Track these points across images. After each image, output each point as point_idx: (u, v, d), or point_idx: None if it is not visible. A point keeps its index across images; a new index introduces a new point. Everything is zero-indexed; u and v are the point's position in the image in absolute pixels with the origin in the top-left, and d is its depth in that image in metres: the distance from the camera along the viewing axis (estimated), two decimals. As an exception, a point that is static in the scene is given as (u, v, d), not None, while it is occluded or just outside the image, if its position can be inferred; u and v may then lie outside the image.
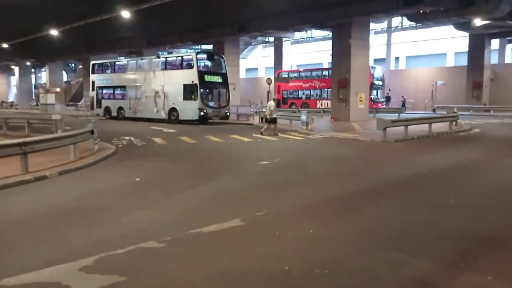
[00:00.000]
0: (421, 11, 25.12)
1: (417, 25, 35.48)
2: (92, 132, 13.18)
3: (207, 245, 5.41)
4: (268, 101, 22.93)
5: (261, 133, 18.82)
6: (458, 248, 5.27)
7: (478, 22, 26.91)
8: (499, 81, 36.09)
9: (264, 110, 27.65)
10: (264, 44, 53.13)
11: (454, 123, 20.17)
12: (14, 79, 64.73)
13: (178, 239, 5.61)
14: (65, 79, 63.43)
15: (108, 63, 33.06)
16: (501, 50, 40.37)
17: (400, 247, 5.27)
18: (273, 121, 19.21)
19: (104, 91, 32.24)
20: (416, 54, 47.61)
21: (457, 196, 7.82)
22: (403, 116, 25.96)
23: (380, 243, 5.47)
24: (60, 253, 5.21)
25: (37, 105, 49.58)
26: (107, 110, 31.62)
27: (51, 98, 45.25)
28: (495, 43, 37.67)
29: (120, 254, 5.07)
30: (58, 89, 50.19)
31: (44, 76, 65.96)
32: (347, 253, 5.14)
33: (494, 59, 38.21)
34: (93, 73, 33.18)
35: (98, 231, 6.01)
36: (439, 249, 5.25)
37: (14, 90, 70.57)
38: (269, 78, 29.54)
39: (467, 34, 35.06)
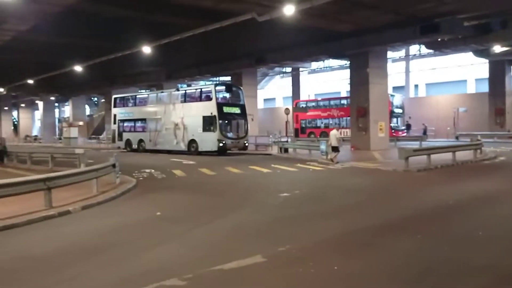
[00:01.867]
0: (438, 39, 25.11)
1: (436, 52, 35.44)
2: (114, 165, 13.32)
3: (229, 283, 5.32)
4: (286, 131, 22.96)
5: (332, 160, 19.39)
6: (488, 285, 5.06)
7: (497, 48, 26.77)
8: (522, 107, 35.50)
9: (282, 139, 27.72)
10: (282, 75, 53.67)
11: (478, 151, 19.77)
12: (38, 113, 66.56)
13: (199, 276, 5.52)
14: (87, 112, 64.91)
15: (129, 97, 33.70)
16: (523, 76, 39.88)
17: (428, 285, 5.08)
18: (336, 149, 19.68)
19: (125, 124, 32.77)
20: (435, 81, 47.32)
21: (485, 229, 7.58)
22: (425, 144, 25.60)
23: (405, 280, 5.30)
24: (82, 292, 5.18)
25: (60, 138, 50.62)
26: (128, 142, 32.04)
27: (74, 132, 46.20)
28: (516, 69, 37.24)
29: (142, 293, 5.01)
30: (81, 123, 51.22)
31: (67, 110, 67.62)
32: (374, 291, 4.98)
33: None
34: (115, 106, 33.80)
35: (119, 268, 5.97)
36: (467, 286, 5.04)
37: (37, 123, 72.39)
38: (287, 108, 29.67)
39: (487, 60, 34.82)
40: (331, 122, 38.26)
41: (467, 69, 43.46)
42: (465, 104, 37.65)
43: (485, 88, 37.50)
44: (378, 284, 5.19)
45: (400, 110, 36.78)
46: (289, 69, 48.53)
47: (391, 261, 6.05)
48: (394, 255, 6.31)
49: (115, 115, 33.52)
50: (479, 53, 30.73)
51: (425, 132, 36.49)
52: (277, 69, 48.37)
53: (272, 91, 61.19)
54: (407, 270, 5.67)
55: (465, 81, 46.06)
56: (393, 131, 33.24)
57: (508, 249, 6.45)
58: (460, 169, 16.76)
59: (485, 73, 36.99)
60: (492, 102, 35.40)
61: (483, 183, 13.05)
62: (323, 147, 21.03)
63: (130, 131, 32.37)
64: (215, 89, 26.29)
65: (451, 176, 14.85)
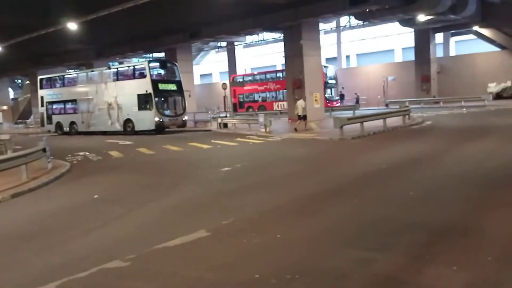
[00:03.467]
0: (367, 10, 25.79)
1: (365, 23, 36.47)
2: (44, 150, 12.67)
3: (174, 260, 5.29)
4: (225, 106, 22.84)
5: (295, 129, 19.76)
6: (422, 241, 5.40)
7: (422, 17, 27.95)
8: (445, 73, 37.62)
9: (221, 115, 27.65)
10: (217, 49, 52.99)
11: (407, 117, 20.80)
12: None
13: (143, 256, 5.44)
14: (11, 96, 60.87)
15: (57, 77, 32.01)
16: (446, 43, 42.08)
17: (366, 244, 5.34)
18: (304, 117, 20.38)
19: (54, 106, 31.17)
20: (365, 52, 48.92)
21: (416, 189, 8.03)
22: (358, 113, 26.54)
23: (346, 241, 5.53)
24: (19, 279, 4.97)
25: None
26: (59, 125, 30.57)
27: (-2, 117, 43.22)
28: (439, 37, 39.25)
29: (83, 278, 4.86)
30: (5, 107, 48.01)
31: (-12, 94, 62.94)
32: (315, 255, 5.16)
33: (439, 52, 39.81)
34: (41, 88, 32.07)
35: (58, 254, 5.76)
36: (403, 243, 5.35)
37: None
38: (224, 83, 29.51)
39: (413, 30, 36.35)
40: (268, 95, 38.56)
41: (395, 39, 45.23)
42: (393, 72, 39.30)
43: (411, 56, 39.26)
44: (319, 248, 5.38)
45: (333, 81, 37.74)
46: (224, 44, 48.01)
47: (331, 224, 6.29)
48: (333, 219, 6.57)
49: (42, 97, 31.84)
50: (405, 22, 31.91)
51: (357, 101, 37.86)
52: (212, 44, 47.60)
53: (208, 67, 60.40)
54: (347, 231, 5.92)
55: (393, 50, 47.99)
56: (327, 101, 34.09)
57: (435, 207, 6.88)
58: (391, 134, 17.58)
59: (411, 42, 38.66)
60: (418, 70, 37.16)
61: (412, 147, 13.79)
62: (261, 120, 21.21)
63: (60, 113, 30.88)
64: (148, 66, 25.57)
65: (383, 142, 15.56)
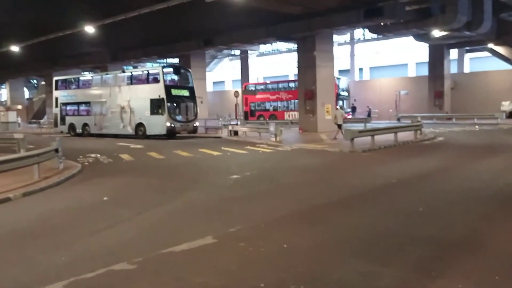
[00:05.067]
0: (382, 23, 25.82)
1: (379, 36, 36.46)
2: (56, 150, 12.81)
3: (180, 265, 5.31)
4: (236, 113, 22.89)
5: (335, 138, 20.38)
6: (428, 256, 5.36)
7: (436, 33, 27.90)
8: (459, 90, 37.42)
9: (232, 123, 27.76)
10: (230, 57, 53.39)
11: (418, 131, 20.70)
12: (-28, 97, 62.54)
13: (149, 259, 5.47)
14: (26, 96, 61.71)
15: (72, 79, 32.44)
16: (460, 59, 41.92)
17: (373, 257, 5.32)
18: (340, 126, 21.05)
19: (68, 108, 31.55)
20: (379, 65, 48.90)
21: (425, 204, 7.98)
22: (369, 126, 26.43)
23: (353, 253, 5.51)
24: (26, 277, 5.01)
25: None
26: (72, 127, 30.89)
27: (12, 116, 43.87)
28: (454, 53, 39.11)
29: (90, 278, 4.90)
30: (19, 107, 48.74)
31: (4, 93, 63.95)
32: (322, 265, 5.15)
33: (453, 68, 39.62)
34: (56, 89, 32.51)
35: (66, 253, 5.80)
36: (410, 257, 5.32)
37: (-29, 108, 67.96)
38: (236, 91, 29.60)
39: (427, 44, 36.27)
40: (279, 105, 38.62)
41: (408, 53, 45.16)
42: (406, 87, 39.17)
43: (425, 71, 39.11)
44: (325, 258, 5.37)
45: (345, 93, 37.68)
46: (237, 52, 48.34)
47: (338, 236, 6.28)
48: (341, 230, 6.55)
49: (56, 98, 32.24)
50: (420, 37, 31.86)
51: (369, 114, 37.73)
52: (226, 51, 47.94)
53: (221, 74, 60.82)
54: (354, 243, 5.90)
55: (406, 64, 47.91)
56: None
57: (445, 222, 6.85)
58: (401, 149, 17.49)
59: (425, 57, 38.53)
60: (432, 85, 37.00)
61: (423, 162, 13.73)
62: (272, 129, 21.23)
63: (73, 114, 31.25)
64: (162, 71, 25.78)
65: (394, 155, 15.49)
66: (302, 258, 5.39)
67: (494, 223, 6.81)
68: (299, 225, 6.90)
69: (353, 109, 39.32)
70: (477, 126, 27.58)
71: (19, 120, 45.47)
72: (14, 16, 26.52)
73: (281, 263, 5.26)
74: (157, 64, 40.78)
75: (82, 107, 30.64)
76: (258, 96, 37.94)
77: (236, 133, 25.39)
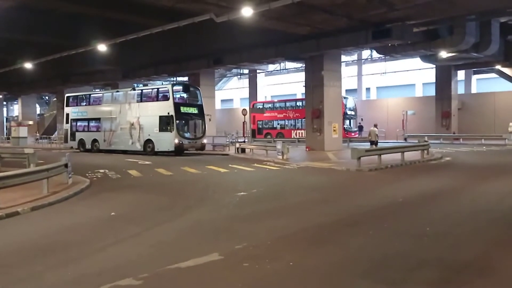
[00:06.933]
0: (389, 44, 26.04)
1: (386, 57, 36.71)
2: (66, 165, 12.98)
3: (186, 282, 5.35)
4: (244, 131, 22.93)
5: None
6: (436, 278, 5.33)
7: (444, 54, 28.05)
8: (466, 110, 37.40)
9: (239, 140, 27.88)
10: (239, 76, 53.93)
11: (425, 151, 20.67)
12: (-16, 112, 63.27)
13: (155, 275, 5.51)
14: (38, 112, 62.48)
15: (83, 96, 32.90)
16: (467, 80, 41.97)
17: (379, 278, 5.31)
18: (376, 143, 22.45)
19: (79, 124, 31.94)
20: (386, 85, 49.08)
21: (432, 225, 7.96)
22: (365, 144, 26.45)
23: (359, 274, 5.50)
24: (34, 293, 5.07)
25: (8, 138, 48.52)
26: (81, 142, 31.23)
27: (23, 131, 44.38)
28: (461, 74, 39.19)
29: (97, 293, 4.97)
30: (30, 122, 49.31)
31: (16, 109, 64.83)
32: (328, 285, 5.16)
33: (461, 89, 39.66)
34: (67, 105, 32.94)
35: (73, 269, 5.86)
36: (418, 279, 5.31)
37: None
38: (244, 109, 29.84)
39: (434, 65, 36.41)
40: (287, 123, 38.81)
41: (416, 74, 45.31)
42: (413, 107, 39.21)
43: (432, 92, 39.16)
44: (332, 278, 5.37)
45: (352, 112, 37.82)
46: (246, 71, 48.83)
47: (345, 255, 6.28)
48: (347, 250, 6.55)
49: (67, 114, 32.65)
50: (427, 58, 32.04)
51: (361, 129, 37.80)
52: (234, 70, 48.55)
53: (230, 92, 61.34)
54: (361, 264, 5.89)
55: (414, 85, 48.06)
56: (346, 132, 34.11)
57: (451, 244, 6.82)
58: (408, 168, 17.46)
59: (432, 78, 38.64)
60: (439, 105, 37.01)
61: (430, 182, 13.69)
62: (279, 147, 21.33)
63: (83, 130, 31.59)
64: (172, 89, 26.08)
65: (400, 175, 15.46)
66: (308, 277, 5.40)
67: (504, 246, 6.75)
68: (305, 244, 6.91)
69: (360, 128, 39.35)
70: (484, 147, 27.46)
71: (36, 135, 45.98)
72: (30, 35, 27.14)
73: (287, 281, 5.28)
74: (167, 82, 41.26)
75: (92, 123, 31.00)
76: (265, 115, 38.19)
77: (243, 150, 25.51)
